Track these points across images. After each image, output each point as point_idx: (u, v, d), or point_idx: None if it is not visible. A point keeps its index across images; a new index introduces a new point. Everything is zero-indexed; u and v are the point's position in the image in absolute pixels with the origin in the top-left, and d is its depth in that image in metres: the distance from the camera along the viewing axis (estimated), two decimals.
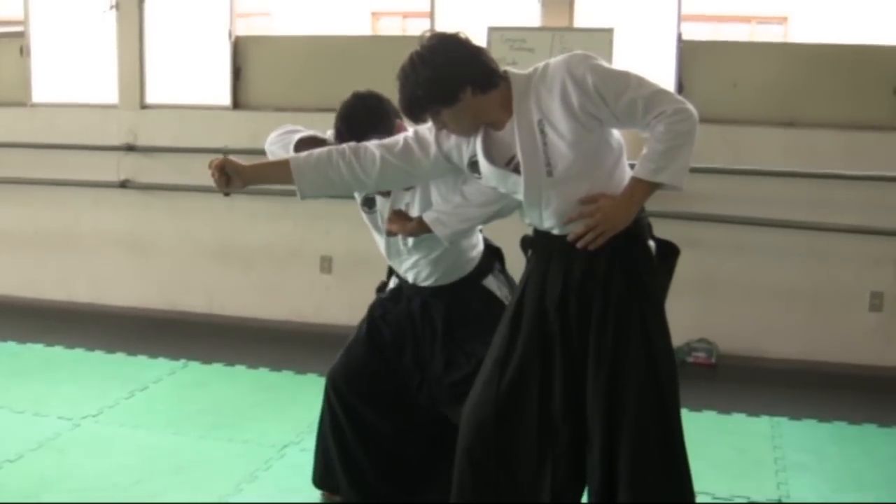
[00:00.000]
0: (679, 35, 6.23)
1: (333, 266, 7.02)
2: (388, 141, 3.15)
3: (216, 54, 7.09)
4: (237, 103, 7.11)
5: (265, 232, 7.10)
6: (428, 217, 3.34)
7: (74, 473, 4.36)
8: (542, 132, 2.84)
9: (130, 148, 7.19)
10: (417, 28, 7.73)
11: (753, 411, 5.34)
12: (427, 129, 3.11)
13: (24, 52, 7.45)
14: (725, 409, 5.31)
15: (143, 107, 7.24)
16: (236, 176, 3.12)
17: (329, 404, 3.87)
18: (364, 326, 3.90)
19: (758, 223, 6.05)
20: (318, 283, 7.05)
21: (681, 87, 6.20)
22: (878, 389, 5.82)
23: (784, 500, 4.23)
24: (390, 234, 3.51)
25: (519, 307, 3.08)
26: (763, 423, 5.19)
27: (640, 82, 2.85)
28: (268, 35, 7.30)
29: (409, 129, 3.21)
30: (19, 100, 7.50)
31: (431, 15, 6.65)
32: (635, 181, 2.91)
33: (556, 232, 2.96)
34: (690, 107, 2.83)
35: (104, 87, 7.28)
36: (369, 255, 6.83)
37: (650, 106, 2.82)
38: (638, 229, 2.98)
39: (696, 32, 6.92)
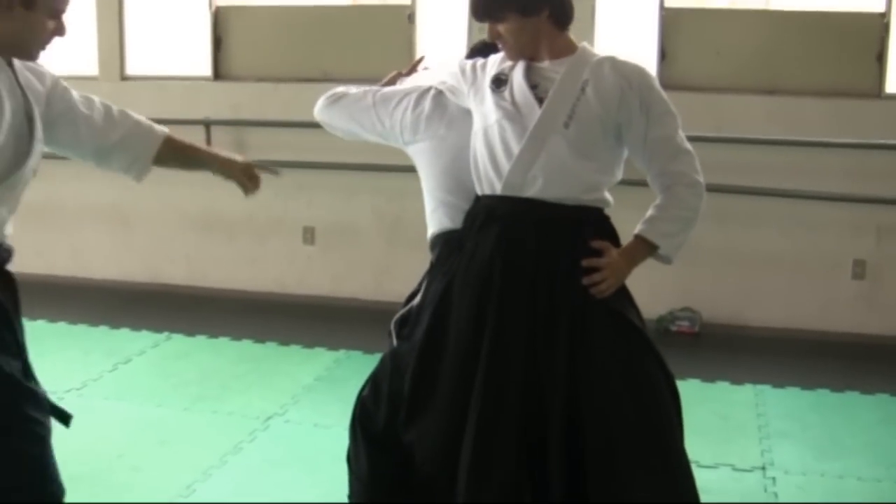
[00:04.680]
0: (661, 2, 6.21)
1: (316, 237, 7.00)
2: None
3: (196, 24, 7.04)
4: (218, 74, 7.06)
5: (247, 203, 6.95)
6: None
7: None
8: (583, 90, 2.80)
9: None
10: None
11: (737, 379, 5.36)
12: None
13: None
14: (709, 378, 5.33)
15: (124, 78, 7.18)
16: None
17: None
18: None
19: (741, 191, 6.05)
20: (300, 254, 7.03)
21: (663, 55, 6.20)
22: (861, 357, 5.85)
23: (767, 467, 4.26)
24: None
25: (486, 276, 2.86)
26: (746, 391, 5.21)
27: (680, 130, 2.87)
28: (248, 5, 7.23)
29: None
30: None
31: None
32: (641, 240, 2.88)
33: (530, 194, 2.82)
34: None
35: (84, 59, 7.22)
36: (352, 226, 6.88)
37: (678, 158, 2.85)
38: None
39: None
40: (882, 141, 5.90)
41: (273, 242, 7.08)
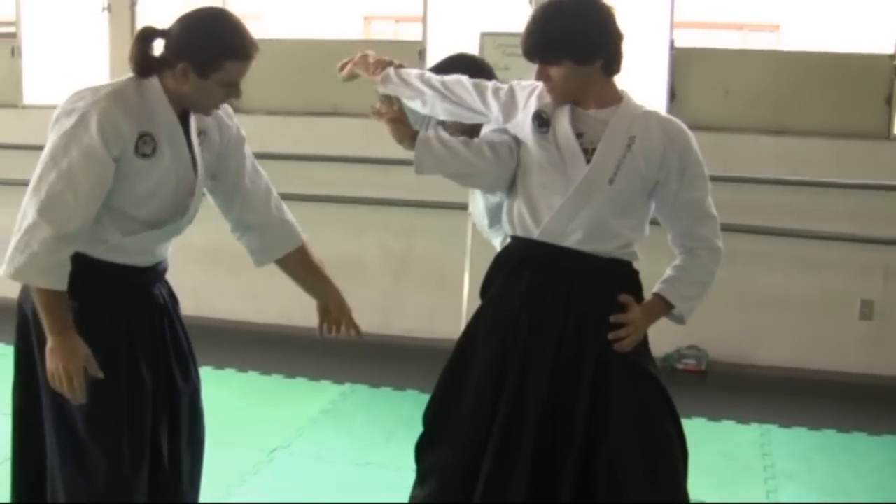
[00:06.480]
0: (671, 42, 6.24)
1: None
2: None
3: None
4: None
5: None
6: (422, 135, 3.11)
7: None
8: (629, 147, 2.81)
9: None
10: (409, 33, 7.73)
11: (743, 419, 5.34)
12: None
13: (15, 53, 7.44)
14: (715, 416, 5.32)
15: None
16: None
17: None
18: None
19: (748, 230, 6.05)
20: None
21: (673, 95, 6.22)
22: (868, 398, 5.82)
23: None
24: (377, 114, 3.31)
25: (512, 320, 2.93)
26: (752, 431, 5.19)
27: (709, 195, 2.93)
28: (260, 38, 7.22)
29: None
30: (10, 101, 7.47)
31: (424, 20, 6.64)
32: (660, 299, 2.93)
33: (567, 244, 2.84)
34: None
35: None
36: (359, 261, 6.87)
37: (704, 222, 2.93)
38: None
39: (688, 39, 6.93)
40: (890, 182, 5.90)
41: (279, 276, 6.95)
